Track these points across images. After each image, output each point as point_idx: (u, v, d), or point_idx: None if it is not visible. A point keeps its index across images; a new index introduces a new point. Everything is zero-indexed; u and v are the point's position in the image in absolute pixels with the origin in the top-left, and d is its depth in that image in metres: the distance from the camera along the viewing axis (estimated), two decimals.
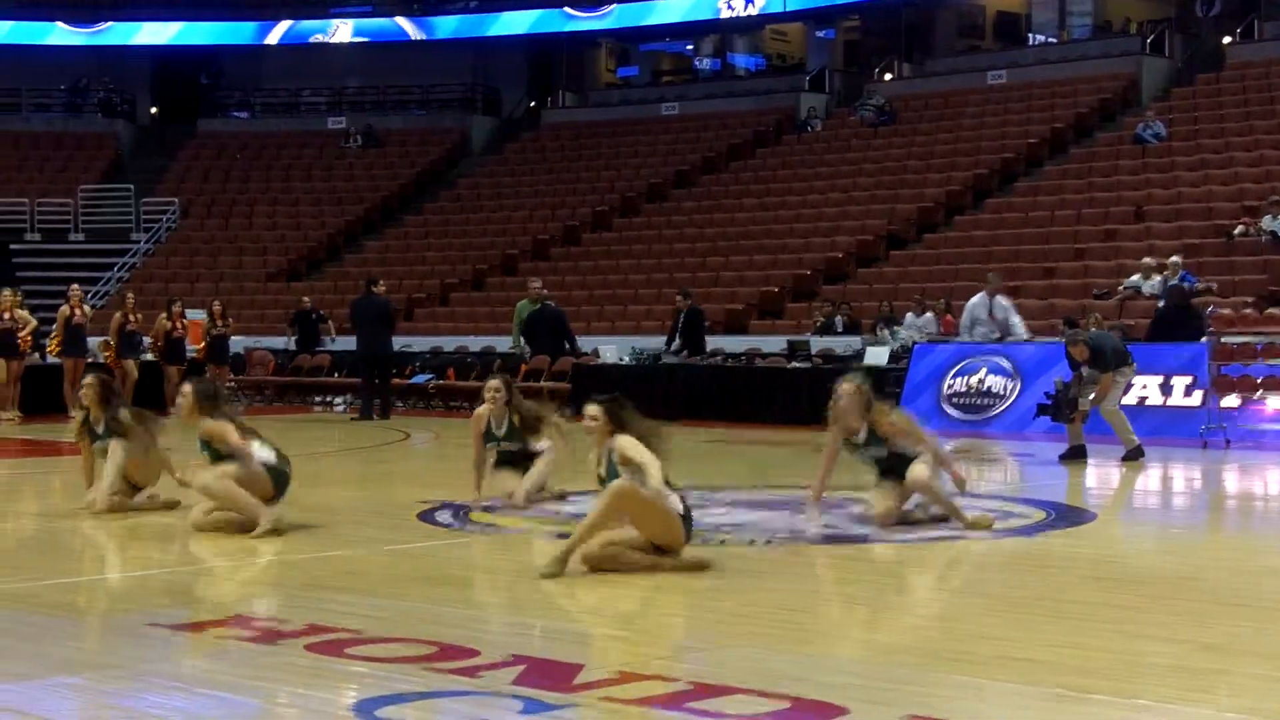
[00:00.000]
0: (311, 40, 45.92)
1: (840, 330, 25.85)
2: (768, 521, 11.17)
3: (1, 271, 34.86)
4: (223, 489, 10.25)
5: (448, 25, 45.09)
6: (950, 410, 20.67)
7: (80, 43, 45.47)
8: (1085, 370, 16.07)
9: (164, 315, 24.87)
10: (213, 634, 7.20)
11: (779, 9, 42.47)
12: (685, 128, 40.75)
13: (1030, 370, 20.19)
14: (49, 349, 24.76)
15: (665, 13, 43.25)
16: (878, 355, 22.18)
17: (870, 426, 10.67)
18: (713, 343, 26.23)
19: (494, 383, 12.32)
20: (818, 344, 24.69)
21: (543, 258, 35.50)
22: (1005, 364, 20.63)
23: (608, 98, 45.40)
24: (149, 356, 24.68)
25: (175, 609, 8.09)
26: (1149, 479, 15.61)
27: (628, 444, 8.62)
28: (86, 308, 24.85)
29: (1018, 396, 20.26)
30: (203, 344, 25.79)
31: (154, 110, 47.77)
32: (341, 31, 45.82)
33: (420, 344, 29.55)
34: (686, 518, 8.76)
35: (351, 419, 24.10)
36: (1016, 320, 21.36)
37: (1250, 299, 23.30)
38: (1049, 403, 16.42)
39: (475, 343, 28.82)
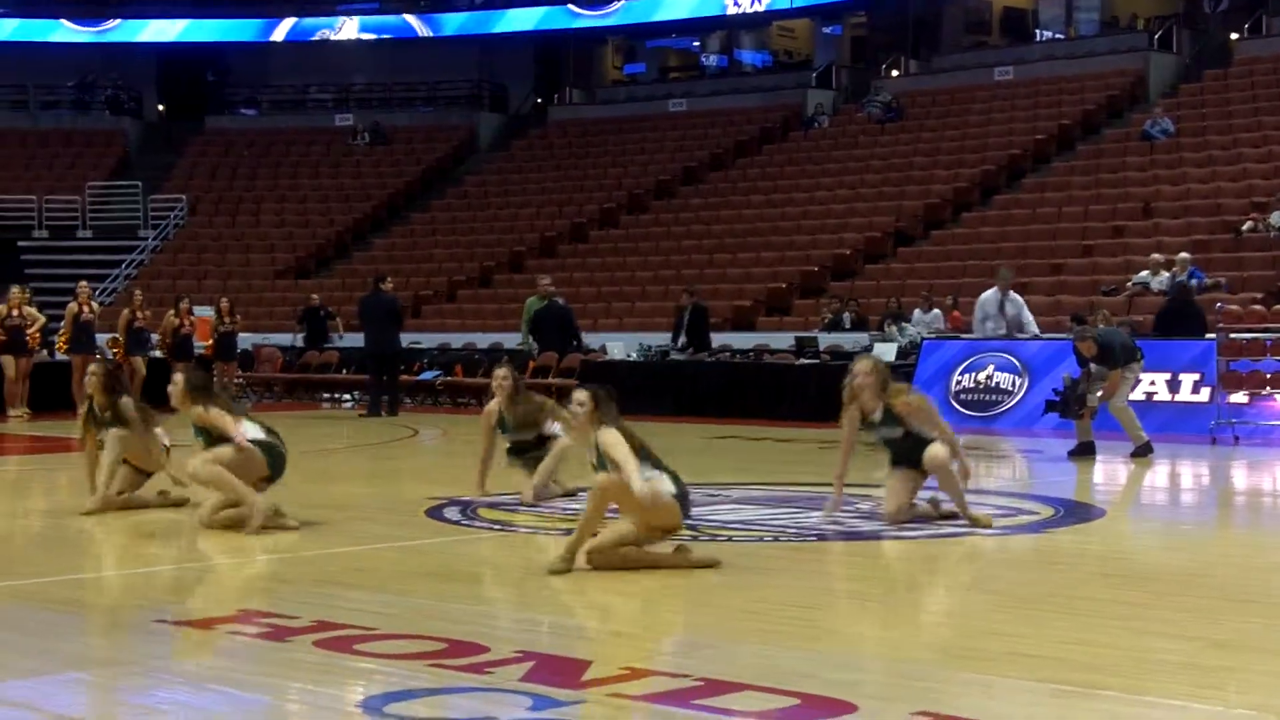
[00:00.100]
0: (317, 36, 45.92)
1: (848, 327, 25.84)
2: (776, 518, 11.17)
3: (10, 269, 34.88)
4: (210, 473, 10.26)
5: (454, 22, 45.08)
6: (958, 407, 20.65)
7: (87, 40, 45.49)
8: (1093, 367, 16.05)
9: (172, 312, 24.89)
10: (221, 630, 7.21)
11: (786, 5, 42.44)
12: (692, 124, 40.72)
13: (1038, 367, 20.18)
14: (57, 346, 24.77)
15: (672, 9, 43.22)
16: (885, 352, 22.13)
17: (886, 406, 10.63)
18: (720, 339, 26.22)
19: (501, 371, 12.35)
20: (825, 340, 24.68)
21: (550, 255, 35.50)
22: (1013, 360, 20.61)
23: (614, 94, 45.38)
24: (157, 353, 24.70)
25: (184, 605, 8.10)
26: (1157, 475, 15.60)
27: (609, 441, 8.61)
28: (95, 305, 24.88)
29: (1026, 393, 20.24)
30: (211, 341, 25.81)
31: (161, 107, 47.79)
32: (348, 28, 45.83)
33: (428, 341, 29.55)
34: (682, 496, 8.71)
35: (359, 416, 24.12)
36: (1028, 317, 21.34)
37: (1259, 295, 23.28)
38: (1057, 399, 16.41)
39: (483, 339, 28.83)
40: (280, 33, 45.95)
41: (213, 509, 10.37)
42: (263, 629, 7.09)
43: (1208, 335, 19.47)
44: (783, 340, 25.56)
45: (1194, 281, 23.52)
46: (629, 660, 6.57)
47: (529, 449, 12.08)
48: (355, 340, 26.66)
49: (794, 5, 42.42)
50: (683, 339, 24.72)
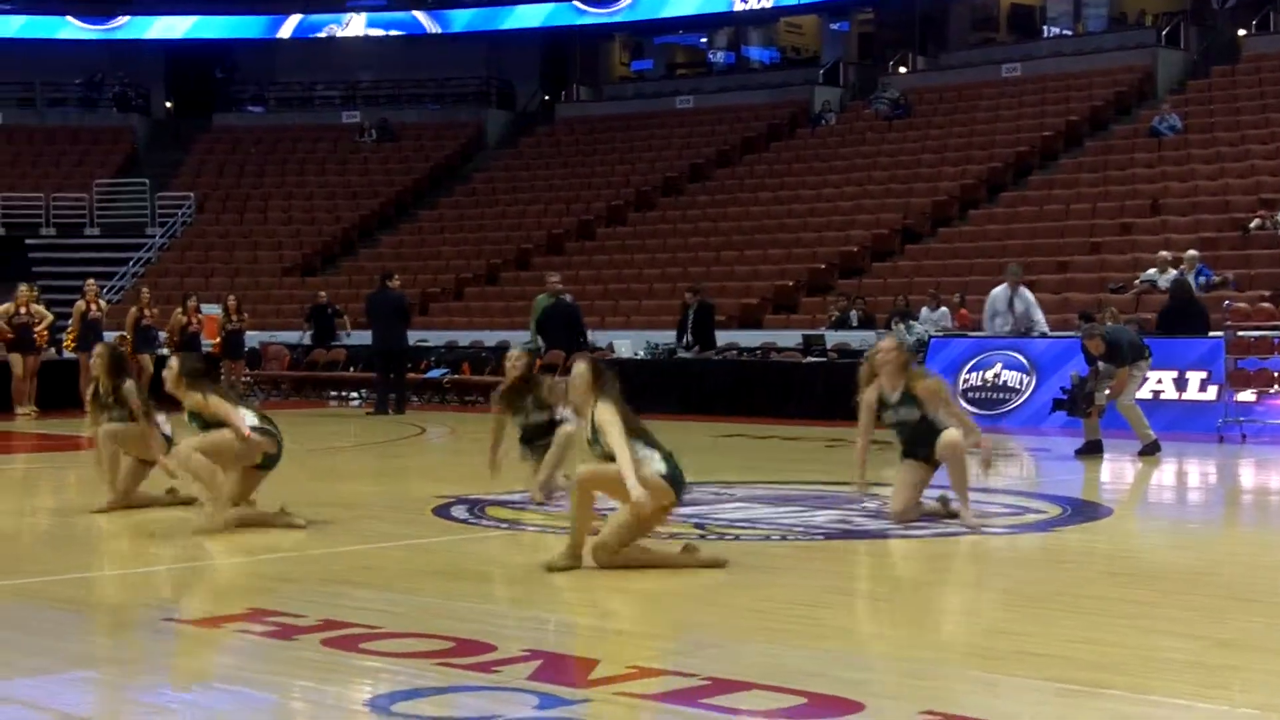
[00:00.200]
0: (324, 32, 45.93)
1: (855, 324, 25.81)
2: (782, 517, 11.17)
3: (17, 266, 34.91)
4: (198, 465, 10.27)
5: (462, 18, 45.08)
6: (966, 404, 20.62)
7: (94, 37, 45.52)
8: (1101, 365, 16.04)
9: (179, 310, 24.90)
10: (228, 629, 7.22)
11: (793, 2, 42.41)
12: (699, 121, 40.70)
13: (1046, 365, 20.16)
14: (65, 344, 24.81)
15: (679, 6, 43.20)
16: None
17: (906, 387, 10.60)
18: (727, 337, 26.20)
19: (514, 352, 12.34)
20: (833, 338, 24.66)
21: (557, 252, 35.49)
22: (1021, 358, 20.60)
23: (622, 91, 45.37)
24: (164, 351, 24.72)
25: (190, 604, 8.11)
26: (1165, 474, 15.59)
27: (605, 418, 8.60)
28: (102, 302, 24.90)
29: (1033, 391, 20.23)
30: (218, 339, 25.83)
31: (169, 104, 47.82)
32: (355, 24, 45.84)
33: (435, 339, 29.55)
34: (673, 476, 8.66)
35: (367, 414, 24.11)
36: (1038, 314, 21.32)
37: (1266, 292, 23.23)
38: (1065, 397, 16.40)
39: (490, 337, 28.81)
40: (287, 29, 45.95)
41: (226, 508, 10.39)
42: (270, 628, 7.10)
43: (1213, 333, 19.43)
44: (790, 338, 25.55)
45: (1202, 279, 23.49)
46: (636, 659, 6.58)
47: (539, 435, 12.01)
48: (363, 338, 26.66)
49: (801, 2, 42.39)
50: (688, 338, 24.71)
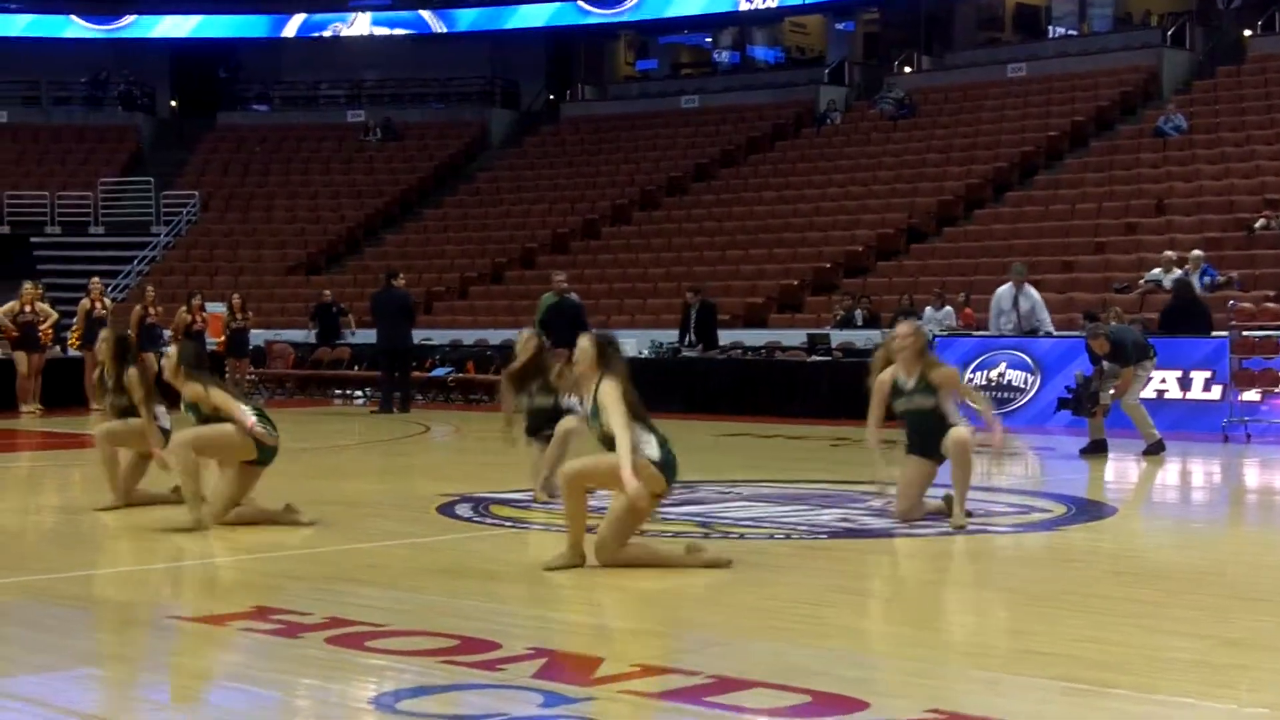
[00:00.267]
0: (329, 31, 45.94)
1: (860, 324, 25.80)
2: (787, 516, 11.17)
3: (22, 264, 34.93)
4: (183, 461, 10.28)
5: (467, 17, 45.08)
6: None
7: (98, 36, 45.55)
8: (1106, 364, 16.04)
9: (184, 308, 24.92)
10: (233, 627, 7.22)
11: (798, 1, 42.39)
12: (704, 121, 40.68)
13: (1050, 364, 20.15)
14: (70, 342, 24.84)
15: (684, 5, 43.16)
16: None
17: (922, 373, 10.56)
18: (732, 336, 26.18)
19: (526, 333, 12.32)
20: (837, 337, 24.64)
21: (562, 251, 35.48)
22: (1025, 358, 20.59)
23: (626, 90, 45.35)
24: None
25: (196, 602, 8.11)
26: (1169, 473, 15.58)
27: (610, 397, 8.56)
28: (107, 301, 24.92)
29: (1038, 390, 20.22)
30: (223, 337, 25.85)
31: (173, 103, 47.83)
32: (360, 23, 45.84)
33: (439, 337, 29.57)
34: (665, 463, 8.62)
35: (371, 412, 24.13)
36: (1044, 314, 21.29)
37: (1271, 292, 23.22)
38: (1070, 397, 16.40)
39: (494, 336, 28.80)
40: (291, 28, 45.95)
41: (227, 506, 10.39)
42: (275, 625, 7.10)
43: (1219, 333, 19.41)
44: (795, 337, 25.54)
45: (1207, 279, 23.47)
46: (640, 657, 6.58)
47: (543, 422, 11.96)
48: (367, 336, 26.68)
49: (806, 1, 42.35)
50: (690, 337, 24.72)
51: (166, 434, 11.25)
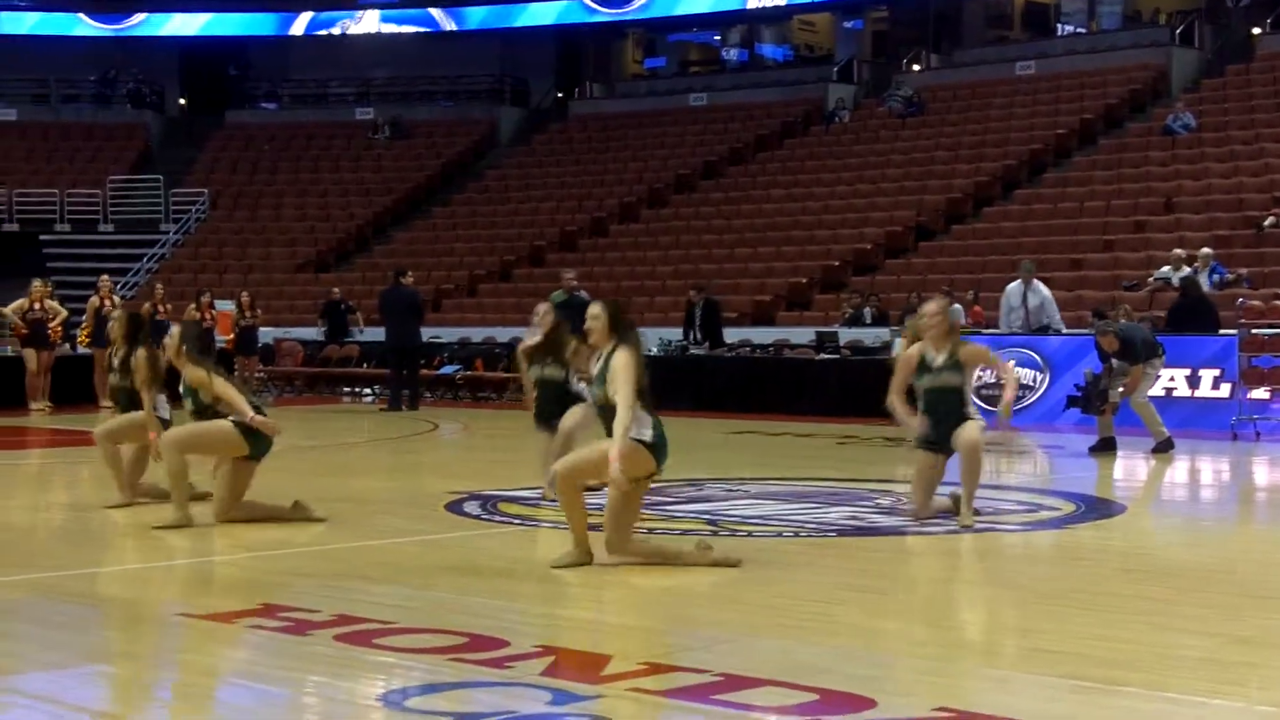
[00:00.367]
0: (336, 28, 45.95)
1: (869, 321, 25.79)
2: (795, 513, 11.16)
3: (31, 262, 34.96)
4: (172, 464, 10.28)
5: (476, 15, 45.08)
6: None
7: (107, 34, 45.59)
8: (1115, 362, 16.03)
9: (193, 306, 24.94)
10: (242, 624, 7.22)
11: None
12: (712, 119, 40.66)
13: (1059, 362, 20.13)
14: (79, 339, 24.86)
15: (692, 3, 43.15)
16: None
17: (951, 350, 10.50)
18: (740, 334, 26.19)
19: (543, 307, 12.27)
20: (846, 335, 24.64)
21: (570, 249, 35.49)
22: (1034, 356, 20.57)
23: (635, 88, 45.34)
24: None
25: (204, 599, 8.12)
26: (1178, 471, 15.56)
27: (621, 367, 8.49)
28: (116, 298, 24.93)
29: (1047, 388, 20.21)
30: (232, 335, 25.87)
31: (182, 101, 47.88)
32: (368, 20, 45.85)
33: (448, 335, 29.59)
34: (657, 444, 8.54)
35: (380, 410, 24.15)
36: (1053, 310, 21.25)
37: None
38: (1079, 394, 16.39)
39: (503, 334, 28.80)
40: (299, 26, 45.98)
41: (227, 504, 10.39)
42: (283, 623, 7.11)
43: (1228, 331, 19.39)
44: (803, 335, 25.55)
45: (1216, 277, 23.44)
46: (649, 655, 6.58)
47: (552, 399, 11.91)
48: (376, 334, 26.69)
49: None
50: (695, 334, 24.75)
51: (166, 424, 11.25)
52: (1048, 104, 35.51)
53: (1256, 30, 35.67)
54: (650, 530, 9.80)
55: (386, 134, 43.96)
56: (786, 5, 42.50)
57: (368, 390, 28.24)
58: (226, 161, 44.26)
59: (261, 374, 28.03)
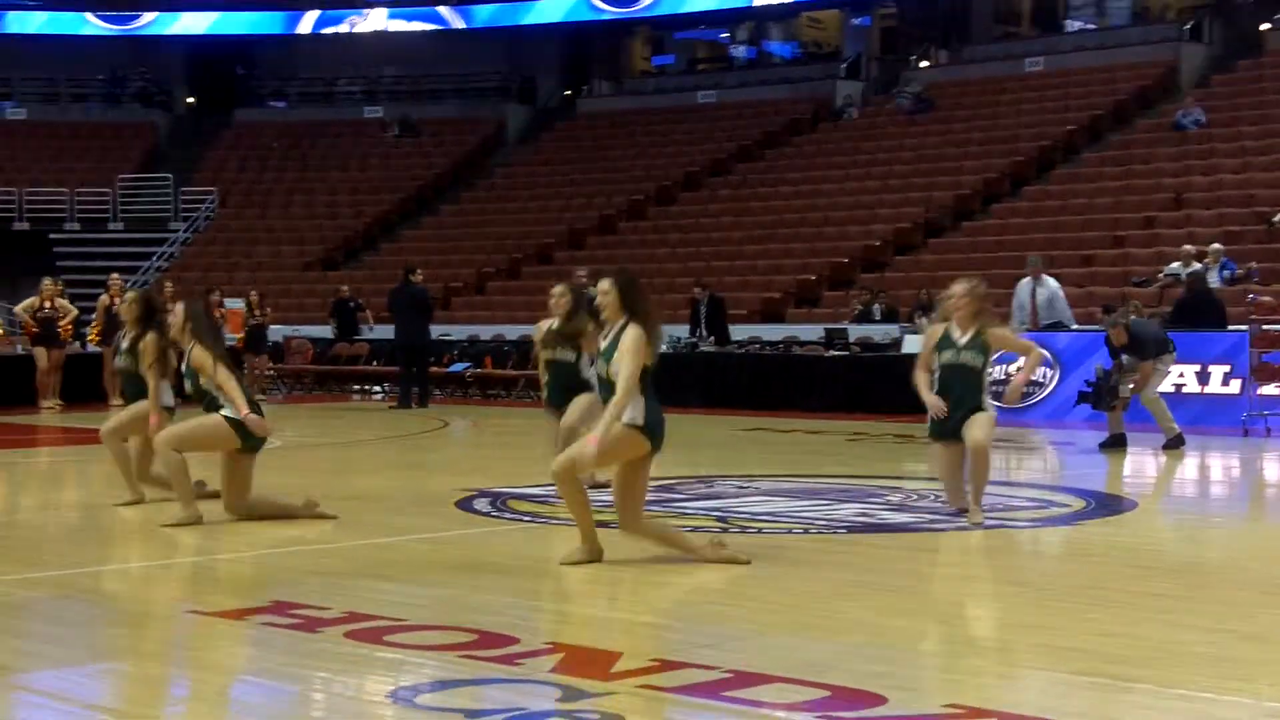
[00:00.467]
0: (344, 25, 45.96)
1: (878, 318, 25.78)
2: (805, 510, 11.16)
3: (41, 261, 35.00)
4: (170, 463, 10.29)
5: (484, 13, 45.09)
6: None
7: (116, 33, 45.64)
8: (1125, 358, 16.01)
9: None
10: (252, 621, 7.22)
11: None
12: (721, 116, 40.65)
13: (1069, 359, 20.11)
14: (89, 338, 24.90)
15: (700, 0, 43.13)
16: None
17: (978, 330, 10.42)
18: (749, 331, 26.19)
19: (559, 288, 12.22)
20: (855, 332, 24.64)
21: (579, 247, 35.49)
22: (1044, 353, 20.53)
23: (643, 86, 45.33)
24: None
25: (214, 596, 8.12)
26: (1189, 467, 15.54)
27: (629, 346, 8.44)
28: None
29: (1057, 385, 20.19)
30: (241, 333, 25.89)
31: (191, 100, 47.91)
32: (375, 17, 45.87)
33: (457, 333, 29.61)
34: (649, 426, 8.47)
35: (390, 407, 24.17)
36: (1062, 304, 21.20)
37: None
38: (1090, 390, 16.37)
39: (512, 331, 28.82)
40: (306, 24, 46.00)
41: (233, 496, 10.40)
42: (294, 620, 7.11)
43: (1238, 327, 19.35)
44: (812, 332, 25.54)
45: (1226, 272, 23.40)
46: (658, 652, 6.58)
47: (562, 388, 11.90)
48: (385, 332, 26.72)
49: None
50: (701, 331, 24.79)
51: (170, 411, 11.27)
52: (1057, 100, 35.46)
53: (1266, 26, 35.59)
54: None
55: (395, 132, 43.98)
56: (794, 2, 42.48)
57: (377, 388, 28.27)
58: (235, 160, 44.31)
59: (271, 372, 28.06)
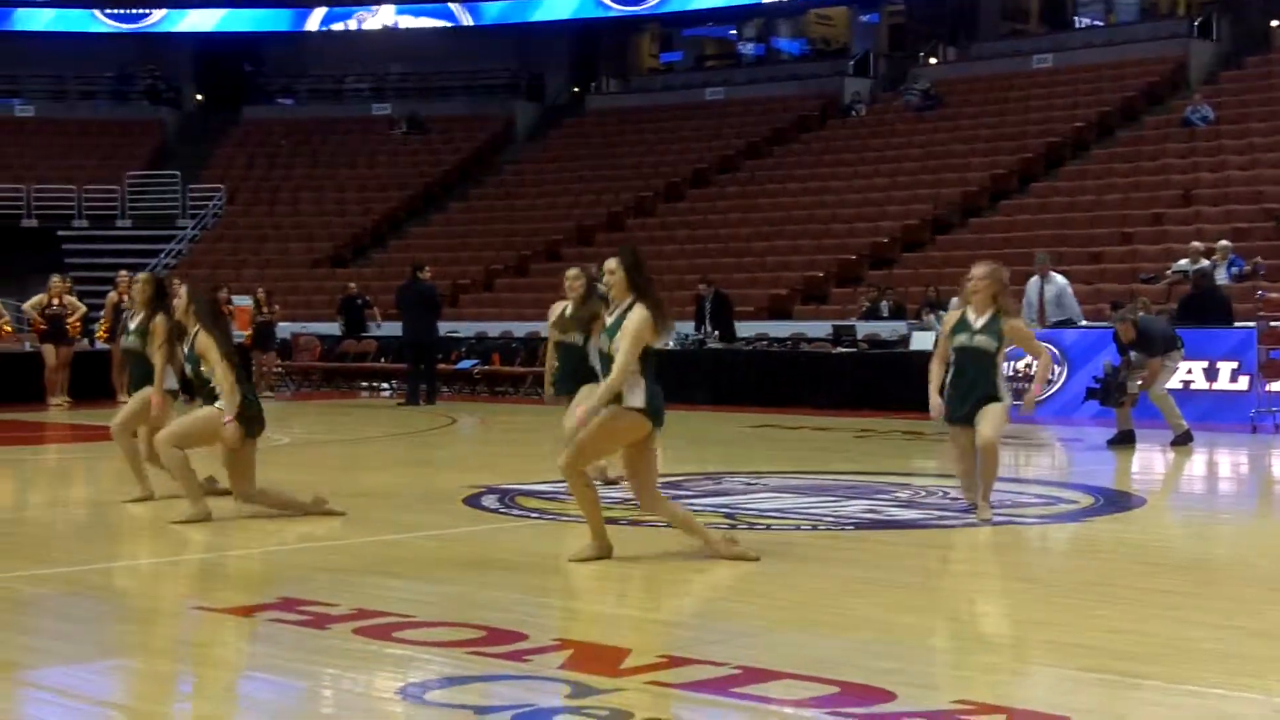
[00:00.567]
0: (351, 21, 45.97)
1: (886, 315, 25.76)
2: (813, 507, 11.15)
3: (49, 258, 35.04)
4: (173, 461, 10.29)
5: (492, 10, 45.11)
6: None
7: (124, 30, 45.68)
8: (1133, 355, 16.00)
9: None
10: (261, 617, 7.23)
11: None
12: (729, 113, 40.64)
13: (1077, 356, 20.09)
14: (97, 335, 24.92)
15: None
16: (923, 340, 22.10)
17: (995, 315, 10.37)
18: (757, 328, 26.19)
19: (573, 271, 12.21)
20: (863, 329, 24.63)
21: (587, 244, 35.46)
22: (1052, 349, 20.51)
23: (651, 83, 45.33)
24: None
25: (223, 593, 8.13)
26: (1197, 464, 15.52)
27: (631, 329, 8.40)
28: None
29: (1065, 381, 20.17)
30: (250, 330, 25.91)
31: (199, 97, 47.95)
32: (383, 14, 45.87)
33: (465, 330, 29.62)
34: (649, 407, 8.45)
35: (398, 404, 24.18)
36: (1070, 300, 21.17)
37: None
38: (1098, 387, 16.36)
39: (520, 328, 28.84)
40: (314, 21, 46.04)
41: (239, 483, 10.41)
42: (302, 616, 7.11)
43: (1246, 323, 19.32)
44: (820, 329, 25.53)
45: (1234, 269, 23.37)
46: (667, 648, 6.57)
47: (570, 374, 11.89)
48: (393, 329, 26.73)
49: None
50: (706, 327, 24.82)
51: (173, 394, 11.30)
52: (1065, 97, 35.43)
53: (1275, 22, 35.57)
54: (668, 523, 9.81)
55: (403, 129, 43.98)
56: None
57: (385, 385, 28.28)
58: (243, 157, 44.34)
59: (279, 369, 28.07)
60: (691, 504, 11.06)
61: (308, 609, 7.26)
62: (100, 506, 11.76)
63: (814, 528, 10.13)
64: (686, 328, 25.08)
